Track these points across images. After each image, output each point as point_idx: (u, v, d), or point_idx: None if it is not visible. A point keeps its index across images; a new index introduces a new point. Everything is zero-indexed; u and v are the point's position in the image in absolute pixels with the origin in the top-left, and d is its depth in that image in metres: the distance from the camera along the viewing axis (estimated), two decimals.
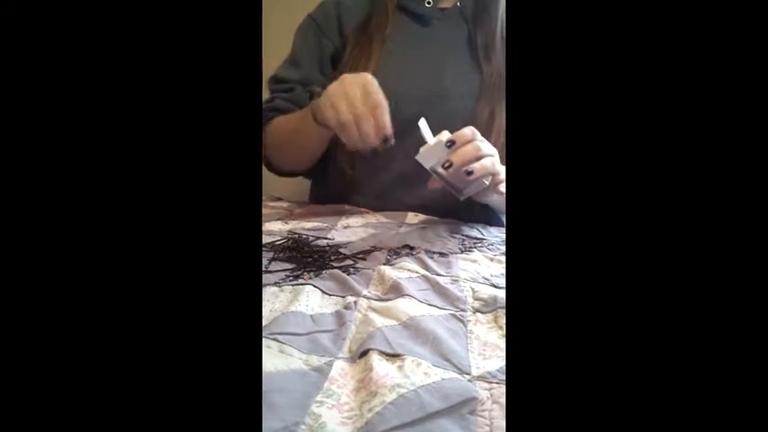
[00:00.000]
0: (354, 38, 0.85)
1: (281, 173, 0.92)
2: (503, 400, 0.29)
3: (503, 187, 0.68)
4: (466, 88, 0.82)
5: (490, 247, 0.64)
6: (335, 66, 0.87)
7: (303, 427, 0.25)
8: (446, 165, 0.61)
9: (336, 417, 0.27)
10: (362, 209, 0.82)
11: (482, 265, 0.55)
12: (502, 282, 0.49)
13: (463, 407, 0.28)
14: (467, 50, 0.85)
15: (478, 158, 0.61)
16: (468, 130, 0.62)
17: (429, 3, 0.85)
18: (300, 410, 0.26)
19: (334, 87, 0.64)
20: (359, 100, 0.61)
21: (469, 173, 0.61)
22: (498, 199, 0.72)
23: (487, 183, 0.65)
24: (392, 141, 0.63)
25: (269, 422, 0.25)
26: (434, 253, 0.59)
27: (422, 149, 0.62)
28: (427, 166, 0.62)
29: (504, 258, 0.58)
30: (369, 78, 0.63)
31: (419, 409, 0.27)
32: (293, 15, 0.93)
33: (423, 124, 0.62)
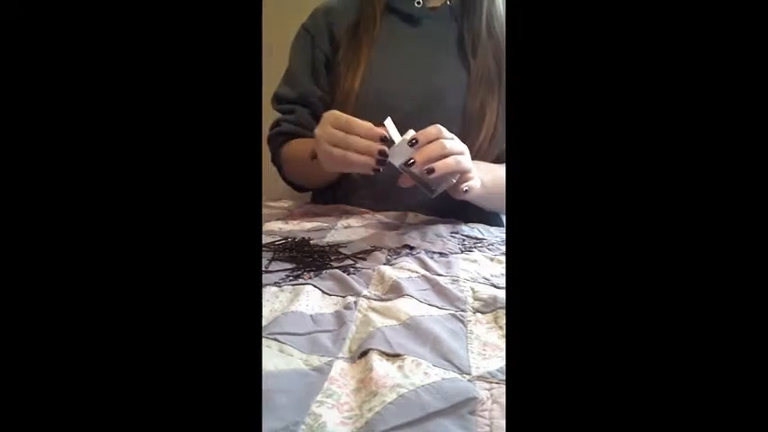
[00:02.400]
0: (345, 41, 0.86)
1: (301, 189, 0.96)
2: (503, 400, 0.29)
3: (469, 185, 0.66)
4: (457, 84, 0.83)
5: (490, 247, 0.64)
6: (329, 72, 0.88)
7: (303, 427, 0.25)
8: (409, 162, 0.61)
9: (336, 417, 0.27)
10: (362, 209, 0.82)
11: (482, 265, 0.55)
12: (502, 282, 0.49)
13: (463, 407, 0.28)
14: (456, 48, 0.85)
15: (443, 156, 0.61)
16: (434, 128, 0.61)
17: (419, 3, 0.86)
18: (300, 410, 0.26)
19: (317, 143, 0.64)
20: (336, 135, 0.61)
21: (431, 171, 0.60)
22: (477, 197, 0.71)
23: (454, 180, 0.65)
24: (390, 135, 0.62)
25: (269, 422, 0.25)
26: (434, 253, 0.59)
27: (391, 148, 0.62)
28: (396, 164, 0.62)
29: (504, 258, 0.58)
30: (329, 113, 0.64)
31: (419, 409, 0.27)
32: (294, 26, 0.94)
33: (389, 123, 0.62)
